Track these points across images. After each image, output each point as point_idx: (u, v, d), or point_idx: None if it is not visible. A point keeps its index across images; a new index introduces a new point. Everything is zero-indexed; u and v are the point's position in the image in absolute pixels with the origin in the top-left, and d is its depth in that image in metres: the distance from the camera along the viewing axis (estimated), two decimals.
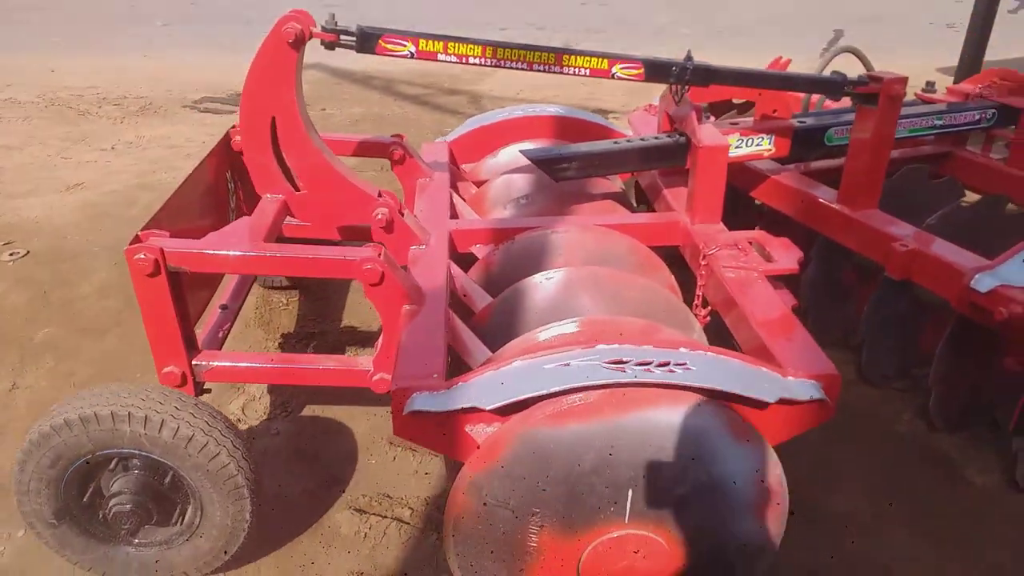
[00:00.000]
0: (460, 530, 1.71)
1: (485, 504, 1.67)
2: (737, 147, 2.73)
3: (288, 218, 2.44)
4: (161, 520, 1.92)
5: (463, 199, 2.92)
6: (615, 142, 2.62)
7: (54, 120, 5.69)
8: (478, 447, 1.65)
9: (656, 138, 2.66)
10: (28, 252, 3.68)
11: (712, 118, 3.04)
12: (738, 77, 2.40)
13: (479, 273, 2.39)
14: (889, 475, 2.42)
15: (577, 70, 2.14)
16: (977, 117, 2.97)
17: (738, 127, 2.79)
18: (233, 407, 2.67)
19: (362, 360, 2.11)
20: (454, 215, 2.67)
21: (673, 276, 2.41)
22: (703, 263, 2.27)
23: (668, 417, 1.61)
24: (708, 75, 2.26)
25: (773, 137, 2.77)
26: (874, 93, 2.42)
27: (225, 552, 1.94)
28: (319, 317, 3.24)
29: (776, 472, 1.71)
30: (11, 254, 3.67)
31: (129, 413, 1.77)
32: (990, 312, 2.13)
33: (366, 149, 2.90)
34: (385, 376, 2.05)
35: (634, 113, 3.47)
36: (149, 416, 1.78)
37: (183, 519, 1.93)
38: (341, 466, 2.43)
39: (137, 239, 1.90)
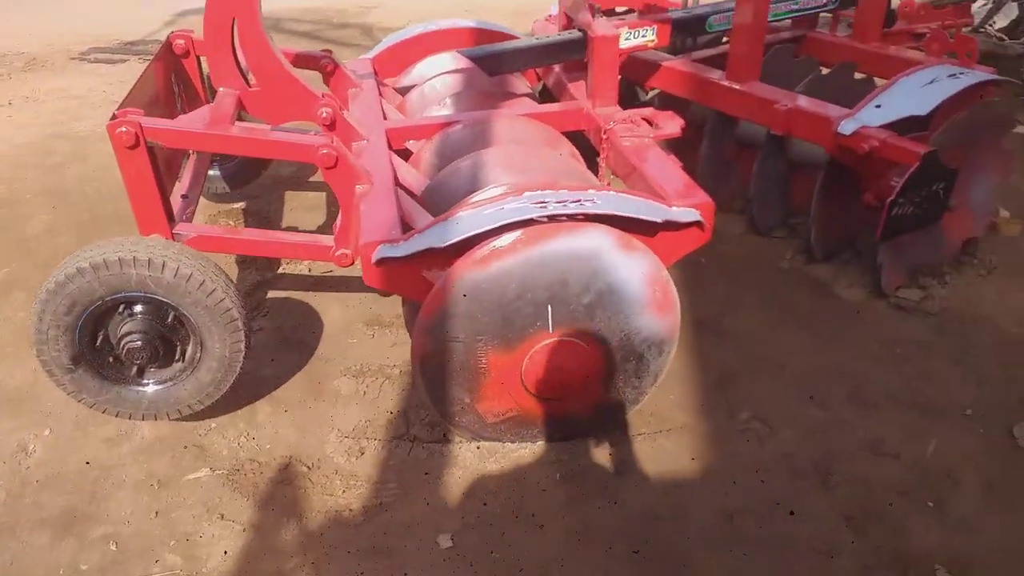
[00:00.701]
0: (426, 368, 2.14)
1: (440, 341, 2.08)
2: (626, 39, 3.14)
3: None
4: (165, 360, 2.22)
5: (391, 105, 3.23)
6: (535, 39, 3.00)
7: None
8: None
9: (561, 35, 3.06)
10: None
11: (603, 16, 3.45)
12: None
13: (416, 163, 2.74)
14: (779, 298, 2.97)
15: None
16: (824, 1, 3.52)
17: (625, 22, 3.20)
18: None
19: (324, 238, 2.45)
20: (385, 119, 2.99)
21: (575, 147, 2.82)
22: (604, 137, 2.69)
23: (569, 244, 2.03)
24: None
25: (656, 28, 3.20)
26: None
27: (223, 383, 2.25)
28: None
29: (662, 276, 2.15)
30: None
31: (135, 257, 2.05)
32: (855, 149, 2.68)
33: (298, 62, 3.15)
34: (346, 251, 2.39)
35: (537, 23, 3.84)
36: (152, 259, 2.05)
37: (184, 356, 2.23)
38: (327, 347, 2.75)
39: (115, 116, 2.16)
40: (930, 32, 3.46)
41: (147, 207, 2.27)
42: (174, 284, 2.08)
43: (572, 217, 2.07)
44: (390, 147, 2.69)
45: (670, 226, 2.19)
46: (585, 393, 2.25)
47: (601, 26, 2.86)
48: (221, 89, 2.56)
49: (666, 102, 3.44)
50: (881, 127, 2.70)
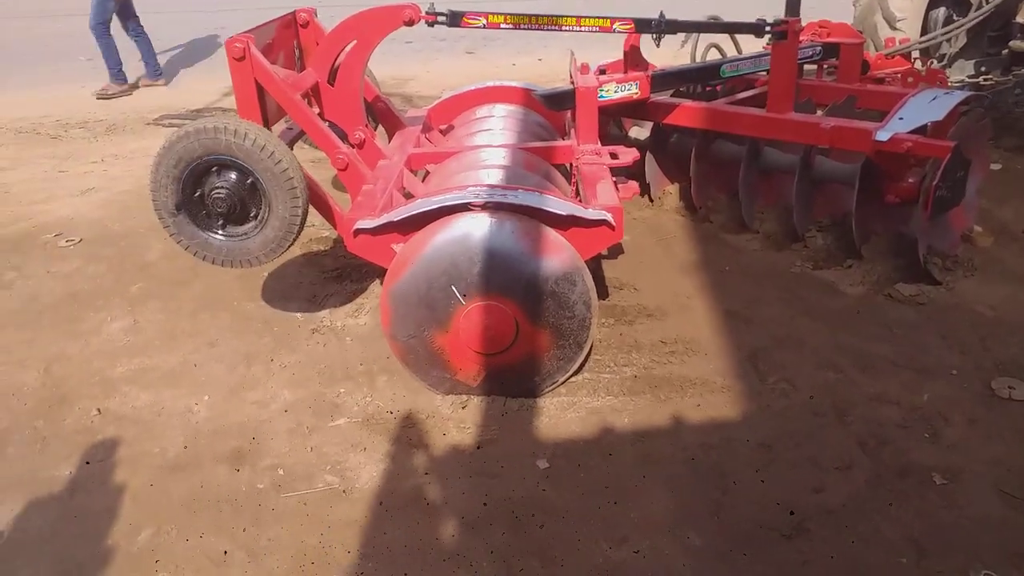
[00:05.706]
0: (409, 364, 2.82)
1: (403, 342, 2.74)
2: (616, 91, 3.75)
3: None
4: (241, 218, 2.80)
5: (427, 140, 3.89)
6: (568, 88, 3.65)
7: (30, 145, 6.19)
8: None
9: (564, 87, 3.72)
10: (81, 239, 4.33)
11: (605, 73, 4.09)
12: (694, 26, 3.53)
13: (429, 179, 3.44)
14: (794, 295, 3.55)
15: (591, 28, 3.18)
16: (811, 53, 4.27)
17: (614, 78, 3.84)
18: (322, 314, 3.50)
19: (347, 214, 3.01)
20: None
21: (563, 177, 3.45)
22: (576, 164, 3.29)
23: (444, 236, 2.67)
24: (674, 26, 3.35)
25: (639, 83, 3.84)
26: (784, 31, 3.59)
27: (284, 241, 2.81)
28: None
29: (531, 230, 2.69)
30: (67, 240, 4.31)
31: (226, 127, 2.66)
32: (893, 152, 3.31)
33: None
34: None
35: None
36: (238, 129, 2.67)
37: (257, 216, 2.81)
38: None
39: (232, 38, 2.88)
40: (902, 71, 4.20)
41: (247, 108, 2.95)
42: (251, 151, 2.68)
43: (499, 206, 2.69)
44: (410, 167, 3.38)
45: (578, 222, 2.72)
46: (531, 336, 2.73)
47: (584, 80, 3.51)
48: (309, 70, 3.30)
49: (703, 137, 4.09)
50: (909, 133, 3.36)
